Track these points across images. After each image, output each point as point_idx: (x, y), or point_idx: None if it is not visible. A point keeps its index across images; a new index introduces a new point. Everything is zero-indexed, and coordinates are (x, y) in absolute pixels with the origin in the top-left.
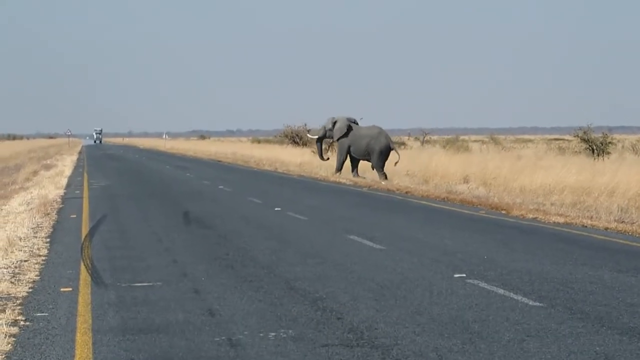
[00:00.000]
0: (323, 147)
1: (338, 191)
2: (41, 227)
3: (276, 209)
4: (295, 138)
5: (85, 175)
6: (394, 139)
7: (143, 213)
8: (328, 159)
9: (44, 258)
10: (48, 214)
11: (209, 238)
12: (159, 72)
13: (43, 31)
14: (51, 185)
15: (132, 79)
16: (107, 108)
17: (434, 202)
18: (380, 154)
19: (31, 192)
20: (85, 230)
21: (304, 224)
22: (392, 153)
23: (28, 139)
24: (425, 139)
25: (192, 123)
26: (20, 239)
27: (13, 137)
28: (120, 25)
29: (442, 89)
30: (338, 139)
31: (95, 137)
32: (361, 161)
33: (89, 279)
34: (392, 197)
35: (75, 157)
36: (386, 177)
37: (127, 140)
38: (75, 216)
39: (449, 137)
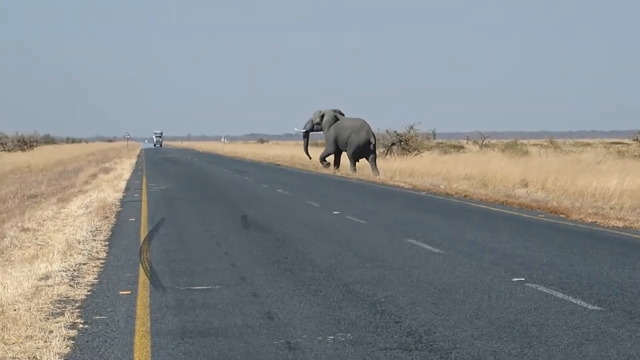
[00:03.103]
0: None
1: (396, 194)
2: (100, 230)
3: (334, 212)
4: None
5: (144, 178)
6: (453, 142)
7: (201, 216)
8: (311, 158)
9: (102, 261)
10: (107, 217)
11: (267, 242)
12: (218, 75)
13: (100, 34)
14: (110, 189)
15: (192, 82)
16: (167, 111)
17: (492, 206)
18: (357, 148)
19: (90, 196)
20: (144, 234)
21: (362, 227)
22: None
23: (87, 142)
24: (484, 142)
25: (250, 126)
26: (79, 242)
27: (72, 141)
28: (179, 27)
29: (502, 92)
30: (326, 132)
31: (155, 140)
32: (360, 158)
33: (148, 282)
34: (450, 201)
35: (134, 161)
36: (378, 172)
37: (185, 144)
38: (134, 219)
39: (508, 140)
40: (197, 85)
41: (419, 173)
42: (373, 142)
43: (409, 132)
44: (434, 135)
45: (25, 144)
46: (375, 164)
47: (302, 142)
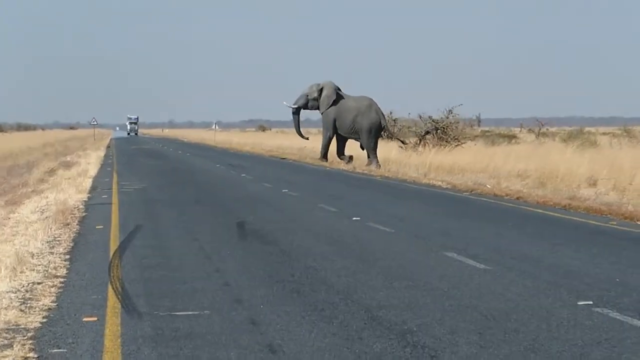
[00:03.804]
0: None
1: (431, 196)
2: (59, 240)
3: (354, 218)
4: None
5: (115, 175)
6: (502, 130)
7: (187, 224)
8: (308, 138)
9: (62, 280)
10: (68, 224)
11: (269, 255)
12: (208, 46)
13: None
14: (72, 188)
15: (175, 55)
16: (144, 92)
17: (552, 210)
18: (369, 133)
19: (47, 197)
20: (114, 245)
21: (388, 237)
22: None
23: (43, 129)
24: (541, 131)
25: (248, 110)
26: (33, 255)
27: (24, 128)
28: None
29: (564, 70)
30: (324, 111)
31: (129, 127)
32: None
33: (119, 306)
34: (499, 204)
35: (102, 153)
36: (379, 165)
37: (167, 132)
38: (102, 227)
39: (571, 128)
40: (182, 59)
41: (459, 169)
42: (384, 125)
43: (447, 117)
44: (479, 121)
45: None
46: (376, 153)
47: (313, 130)
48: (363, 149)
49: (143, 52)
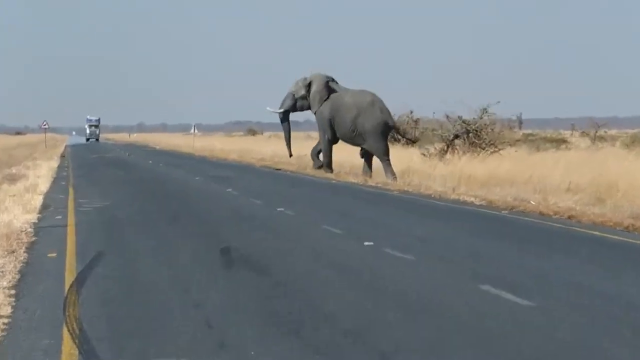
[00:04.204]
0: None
1: (461, 215)
2: (2, 271)
3: (365, 243)
4: (396, 132)
5: (72, 191)
6: (549, 133)
7: (160, 249)
8: (291, 155)
9: (6, 320)
10: (13, 251)
11: (261, 287)
12: (185, 33)
13: None
14: (18, 207)
15: (145, 44)
16: (105, 89)
17: (611, 232)
18: (376, 135)
19: None
20: (70, 276)
21: (408, 265)
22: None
23: None
24: (597, 134)
25: (234, 110)
26: None
27: None
28: None
29: (622, 62)
30: (316, 110)
31: (88, 131)
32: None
33: (76, 352)
34: (546, 225)
35: (55, 164)
36: (394, 175)
37: (135, 137)
38: (55, 255)
39: (635, 131)
40: (153, 49)
41: (496, 181)
42: (392, 125)
43: (481, 118)
44: (520, 122)
45: None
46: (389, 161)
47: (315, 134)
48: (362, 157)
49: (104, 42)
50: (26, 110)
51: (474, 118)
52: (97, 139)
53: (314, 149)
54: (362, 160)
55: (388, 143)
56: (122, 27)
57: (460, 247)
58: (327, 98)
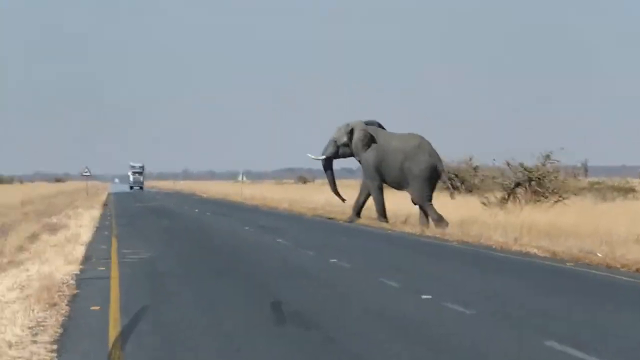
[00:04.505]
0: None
1: (524, 267)
2: (43, 325)
3: (423, 296)
4: (455, 180)
5: (115, 241)
6: (617, 181)
7: (208, 303)
8: (345, 200)
9: None
10: (55, 304)
11: (314, 346)
12: (234, 78)
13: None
14: (59, 258)
15: (192, 89)
16: (150, 134)
17: None
18: (422, 180)
19: (27, 270)
20: (114, 332)
21: (469, 320)
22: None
23: (22, 182)
24: None
25: (285, 156)
26: (10, 345)
27: None
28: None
29: None
30: (361, 157)
31: (132, 179)
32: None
33: None
34: (614, 278)
35: (98, 212)
36: (443, 220)
37: (182, 185)
38: (98, 308)
39: None
40: (200, 94)
41: (560, 231)
42: (441, 170)
43: (544, 165)
44: (586, 170)
45: None
46: (432, 205)
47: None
48: (415, 204)
49: (149, 86)
50: (66, 156)
51: (536, 165)
52: (141, 187)
53: (357, 202)
54: (417, 208)
55: (434, 189)
56: (165, 72)
57: (523, 301)
58: (370, 144)
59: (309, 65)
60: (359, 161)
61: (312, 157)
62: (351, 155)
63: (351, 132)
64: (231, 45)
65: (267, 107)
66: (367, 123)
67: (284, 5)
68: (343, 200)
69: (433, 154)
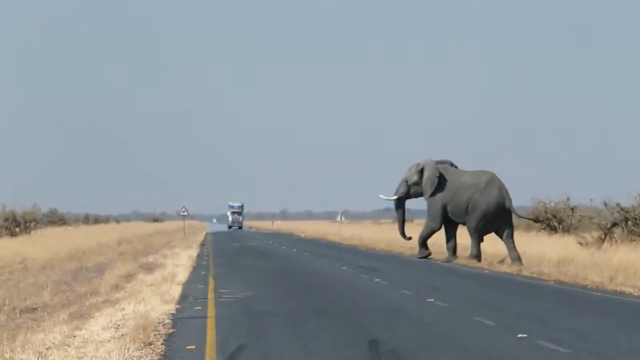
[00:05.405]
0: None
1: (620, 306)
2: None
3: (519, 335)
4: (552, 220)
5: (212, 281)
6: None
7: (305, 343)
8: (410, 238)
9: None
10: (150, 343)
11: None
12: (331, 117)
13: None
14: (155, 298)
15: (289, 127)
16: (248, 173)
17: None
18: (485, 215)
19: (123, 309)
20: None
21: (563, 359)
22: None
23: (118, 222)
24: None
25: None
26: None
27: (94, 220)
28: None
29: None
30: (430, 195)
31: (230, 218)
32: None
33: None
34: None
35: (195, 252)
36: (519, 258)
37: (279, 224)
38: (194, 347)
39: None
40: (297, 133)
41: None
42: (510, 206)
43: None
44: None
45: (17, 224)
46: (513, 243)
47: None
48: (472, 237)
49: (245, 124)
50: (164, 195)
51: (633, 205)
52: (240, 227)
53: (448, 243)
54: (447, 236)
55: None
56: (261, 112)
57: (617, 339)
58: (439, 183)
59: (405, 109)
60: (426, 200)
61: (384, 197)
62: (421, 194)
63: (422, 171)
64: (330, 87)
65: (362, 148)
66: (439, 162)
67: (369, 41)
68: (408, 239)
69: (503, 189)
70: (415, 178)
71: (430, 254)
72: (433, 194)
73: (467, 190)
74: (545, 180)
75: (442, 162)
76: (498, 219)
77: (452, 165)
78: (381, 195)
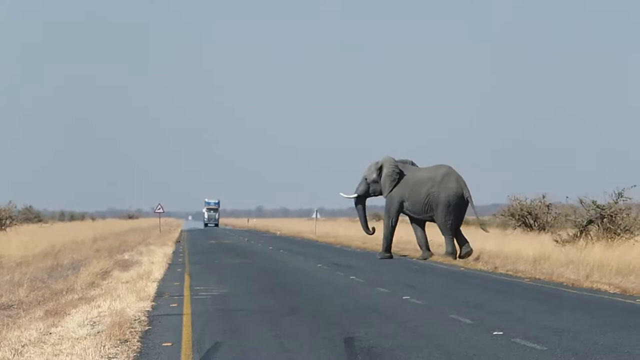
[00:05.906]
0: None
1: (595, 304)
2: None
3: (495, 332)
4: (528, 218)
5: (188, 278)
6: None
7: (281, 340)
8: (373, 231)
9: None
10: (126, 340)
11: None
12: (309, 115)
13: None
14: (131, 295)
15: (265, 122)
16: (224, 171)
17: None
18: (448, 208)
19: (98, 306)
20: None
21: (540, 357)
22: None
23: (93, 219)
24: None
25: None
26: None
27: (70, 217)
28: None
29: None
30: (387, 195)
31: (206, 216)
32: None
33: None
34: None
35: (170, 249)
36: (469, 248)
37: (255, 222)
38: (170, 344)
39: None
40: (273, 130)
41: (632, 269)
42: (468, 197)
43: (616, 202)
44: None
45: None
46: (463, 235)
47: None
48: (444, 233)
49: (221, 122)
50: (139, 193)
51: (608, 203)
52: (216, 224)
53: (419, 239)
54: (416, 234)
55: (462, 218)
56: (239, 111)
57: (593, 336)
58: (398, 181)
59: (385, 107)
60: (385, 197)
61: (345, 196)
62: (379, 193)
63: (380, 169)
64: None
65: (340, 145)
66: (400, 161)
67: (355, 41)
68: (371, 232)
69: (460, 181)
70: (374, 176)
71: (391, 257)
72: (389, 191)
73: (424, 185)
74: (546, 180)
75: (403, 162)
76: (461, 210)
77: (412, 164)
78: (341, 194)
